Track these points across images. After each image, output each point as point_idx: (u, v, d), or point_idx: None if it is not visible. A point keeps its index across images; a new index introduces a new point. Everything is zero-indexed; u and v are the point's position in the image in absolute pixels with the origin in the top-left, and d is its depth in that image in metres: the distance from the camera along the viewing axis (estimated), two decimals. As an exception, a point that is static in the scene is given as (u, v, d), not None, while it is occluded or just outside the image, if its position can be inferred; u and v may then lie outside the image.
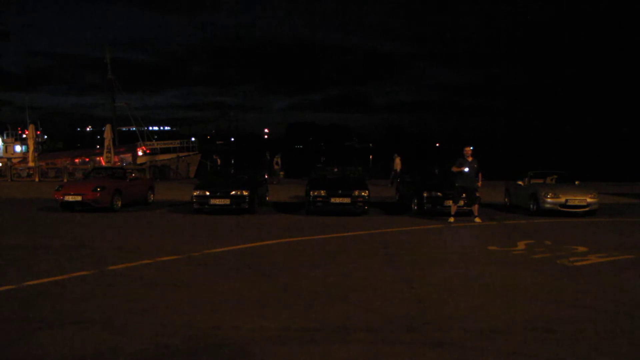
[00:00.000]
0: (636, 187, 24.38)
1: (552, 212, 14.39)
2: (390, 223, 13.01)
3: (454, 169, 13.14)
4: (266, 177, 19.87)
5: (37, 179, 27.71)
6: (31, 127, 32.38)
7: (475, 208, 13.15)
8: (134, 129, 40.84)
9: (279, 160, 27.45)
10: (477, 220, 12.99)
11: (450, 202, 14.09)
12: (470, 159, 13.04)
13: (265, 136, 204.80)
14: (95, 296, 6.36)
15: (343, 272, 7.73)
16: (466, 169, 12.89)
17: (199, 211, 14.44)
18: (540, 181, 16.22)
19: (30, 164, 29.81)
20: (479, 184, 13.29)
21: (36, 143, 33.11)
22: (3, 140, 45.25)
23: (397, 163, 24.93)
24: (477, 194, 13.25)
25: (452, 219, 13.04)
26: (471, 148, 13.24)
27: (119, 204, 15.17)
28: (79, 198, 14.59)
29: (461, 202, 14.01)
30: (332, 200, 14.05)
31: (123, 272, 7.65)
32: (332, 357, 4.58)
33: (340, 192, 14.18)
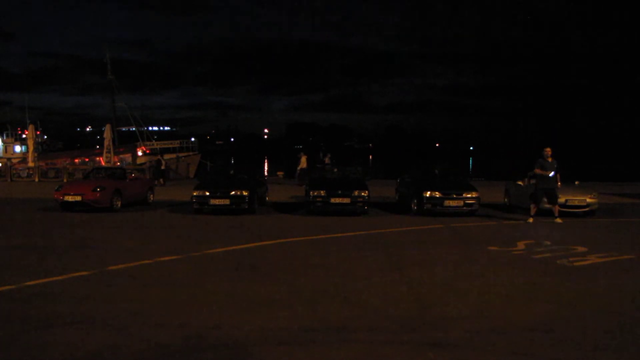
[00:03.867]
0: (636, 187, 24.38)
1: (552, 212, 14.38)
2: (390, 223, 13.01)
3: (537, 171, 13.03)
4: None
5: (37, 179, 27.71)
6: (31, 127, 32.40)
7: (556, 209, 13.20)
8: (134, 129, 40.88)
9: (328, 160, 27.78)
10: (558, 220, 13.00)
11: (450, 202, 14.11)
12: (550, 159, 13.02)
13: (265, 136, 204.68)
14: (95, 296, 6.36)
15: (343, 272, 7.73)
16: (551, 174, 12.86)
17: (199, 211, 14.44)
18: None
19: (30, 164, 29.80)
20: (559, 184, 13.37)
21: (36, 143, 33.13)
22: (3, 141, 45.27)
23: (303, 162, 26.22)
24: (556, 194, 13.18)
25: (531, 220, 13.15)
26: (550, 149, 13.10)
27: (119, 204, 15.17)
28: (78, 198, 14.58)
29: (460, 203, 14.03)
30: (332, 200, 14.05)
31: (123, 272, 7.64)
32: (332, 357, 4.58)
33: (340, 192, 14.17)
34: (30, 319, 5.48)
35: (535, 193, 13.32)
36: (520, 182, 16.02)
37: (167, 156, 37.18)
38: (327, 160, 27.76)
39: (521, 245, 9.96)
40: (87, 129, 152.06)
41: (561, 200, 14.30)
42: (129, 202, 15.81)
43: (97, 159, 33.41)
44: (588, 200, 14.44)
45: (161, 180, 24.90)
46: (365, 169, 26.43)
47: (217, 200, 14.19)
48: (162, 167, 25.86)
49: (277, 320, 5.48)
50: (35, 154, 30.52)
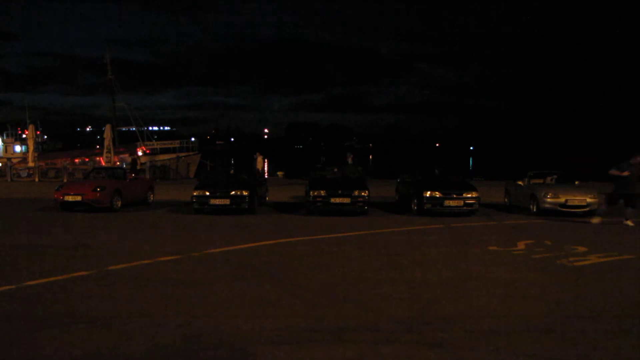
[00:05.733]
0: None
1: (552, 212, 14.39)
2: (390, 223, 13.01)
3: (612, 172, 12.93)
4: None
5: (37, 179, 27.71)
6: (31, 127, 32.43)
7: (629, 212, 13.06)
8: (134, 129, 40.88)
9: (351, 160, 27.82)
10: (629, 223, 12.90)
11: (450, 202, 14.11)
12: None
13: (265, 136, 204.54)
14: (95, 296, 6.36)
15: (343, 272, 7.73)
16: (626, 173, 12.67)
17: (199, 211, 14.44)
18: (540, 181, 16.21)
19: (30, 164, 29.82)
20: None
21: (36, 143, 33.18)
22: (3, 140, 45.30)
23: (259, 162, 26.18)
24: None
25: (596, 220, 13.03)
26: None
27: (119, 204, 15.16)
28: (79, 198, 14.59)
29: (461, 202, 14.02)
30: (332, 200, 14.05)
31: (123, 272, 7.65)
32: (332, 357, 4.58)
33: (340, 192, 14.18)
34: (30, 319, 5.48)
35: (613, 195, 13.11)
36: (520, 182, 16.03)
37: (167, 156, 37.20)
38: (350, 160, 27.67)
39: (521, 245, 9.96)
40: (87, 129, 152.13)
41: (561, 200, 14.33)
42: (129, 202, 15.81)
43: (97, 159, 33.39)
44: (588, 200, 14.44)
45: None
46: (365, 168, 26.38)
47: (217, 200, 14.19)
48: (138, 167, 25.88)
49: (277, 320, 5.49)
50: (35, 154, 30.54)
